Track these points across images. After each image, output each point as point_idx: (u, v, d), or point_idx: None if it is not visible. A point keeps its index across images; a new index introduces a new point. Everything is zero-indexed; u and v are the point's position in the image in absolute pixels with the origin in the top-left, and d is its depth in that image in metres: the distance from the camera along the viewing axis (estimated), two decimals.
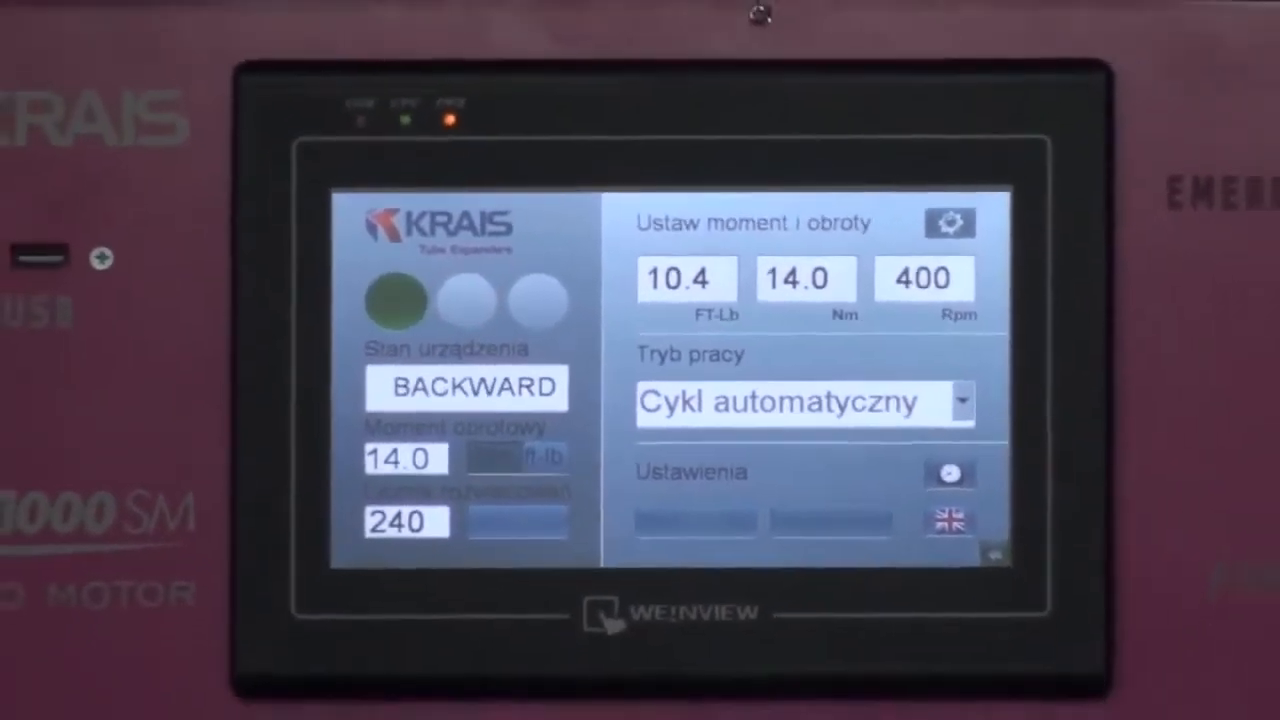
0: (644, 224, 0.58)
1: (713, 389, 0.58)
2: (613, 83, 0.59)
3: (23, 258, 0.57)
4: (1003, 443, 0.57)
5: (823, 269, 0.57)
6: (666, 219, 0.58)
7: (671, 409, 0.58)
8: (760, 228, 0.57)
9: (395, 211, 0.57)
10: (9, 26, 0.58)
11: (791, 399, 0.58)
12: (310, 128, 0.57)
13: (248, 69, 0.57)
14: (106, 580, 0.57)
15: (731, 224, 0.57)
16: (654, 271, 0.57)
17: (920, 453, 0.57)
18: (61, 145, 0.57)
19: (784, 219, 0.57)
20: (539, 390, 0.57)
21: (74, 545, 0.57)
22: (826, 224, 0.57)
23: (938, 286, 0.57)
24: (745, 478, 0.57)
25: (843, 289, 0.57)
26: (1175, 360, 0.57)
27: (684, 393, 0.58)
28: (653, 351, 0.57)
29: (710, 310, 0.58)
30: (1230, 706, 0.57)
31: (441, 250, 0.57)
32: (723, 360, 0.58)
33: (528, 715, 0.58)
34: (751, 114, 0.58)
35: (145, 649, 0.57)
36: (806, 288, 0.58)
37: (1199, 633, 0.57)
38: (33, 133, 0.58)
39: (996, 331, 0.57)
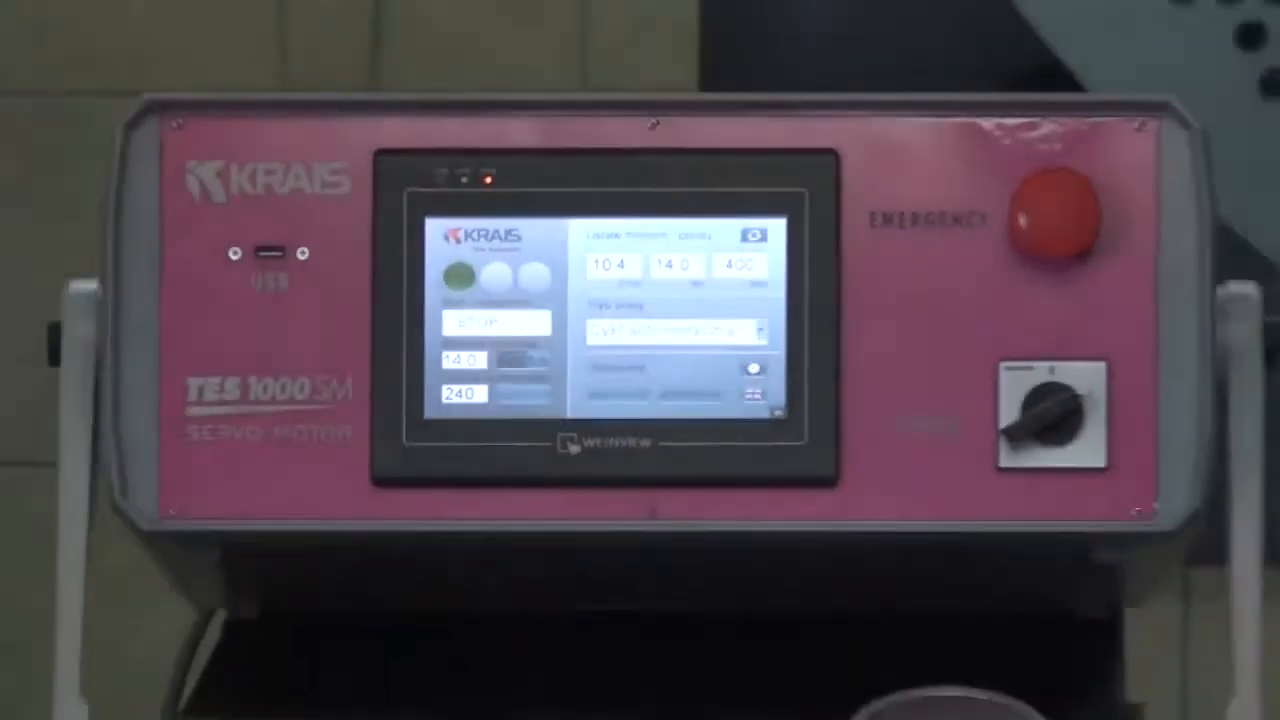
0: (595, 235, 1.03)
1: (627, 326, 1.03)
2: (576, 159, 1.04)
3: (261, 253, 1.03)
4: (780, 352, 1.02)
5: (686, 259, 1.03)
6: (610, 234, 1.04)
7: (606, 335, 1.03)
8: (652, 234, 1.02)
9: (459, 229, 1.03)
10: (255, 128, 1.04)
11: (671, 330, 1.03)
12: (414, 183, 1.03)
13: (381, 152, 1.03)
14: (305, 425, 1.03)
15: (637, 235, 1.04)
16: (597, 261, 1.02)
17: (738, 358, 1.02)
18: (281, 192, 1.03)
19: (666, 234, 1.02)
20: (535, 325, 1.03)
21: (289, 406, 1.03)
22: (691, 235, 1.03)
23: (747, 270, 1.02)
24: (644, 371, 1.02)
25: (698, 269, 1.03)
26: (879, 307, 1.03)
27: (613, 327, 1.03)
28: (596, 304, 1.03)
29: (627, 282, 1.03)
30: (916, 497, 1.03)
31: (483, 250, 1.03)
32: (632, 309, 1.03)
33: (529, 499, 1.03)
34: (653, 176, 1.04)
35: (326, 463, 1.02)
36: (681, 269, 1.04)
37: (875, 451, 1.02)
38: (266, 184, 1.04)
39: (779, 294, 1.02)
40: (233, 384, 1.03)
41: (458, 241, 1.03)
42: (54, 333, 1.06)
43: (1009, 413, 1.01)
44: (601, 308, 1.03)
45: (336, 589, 1.19)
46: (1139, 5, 2.22)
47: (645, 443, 1.03)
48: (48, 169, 2.17)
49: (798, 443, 1.02)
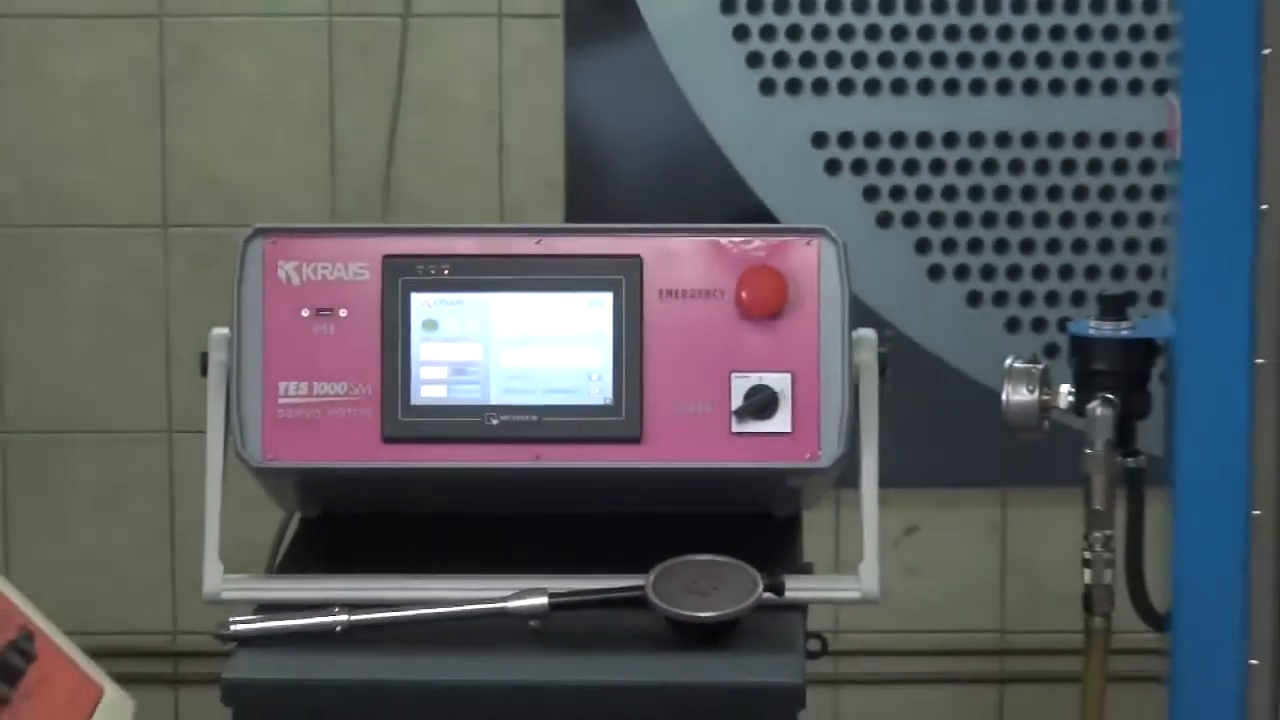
0: (506, 303, 1.81)
1: (525, 353, 1.81)
2: (495, 260, 1.83)
3: (319, 313, 1.80)
4: (610, 368, 1.80)
5: (561, 316, 1.80)
6: (516, 302, 1.82)
7: (512, 359, 1.82)
8: (541, 302, 1.80)
9: (429, 299, 1.82)
10: (316, 243, 1.82)
11: (551, 356, 1.81)
12: (404, 273, 1.82)
13: (387, 256, 1.83)
14: (343, 409, 1.80)
15: (532, 303, 1.82)
16: (507, 318, 1.80)
17: (587, 371, 1.80)
18: (331, 279, 1.81)
19: (550, 302, 1.80)
20: (472, 353, 1.80)
21: (335, 398, 1.80)
22: (562, 303, 1.81)
23: (593, 323, 1.80)
24: (533, 378, 1.81)
25: (567, 322, 1.80)
26: (665, 343, 1.81)
27: (516, 354, 1.82)
28: (506, 341, 1.81)
29: (525, 329, 1.81)
30: (685, 450, 1.82)
31: (443, 310, 1.82)
32: (528, 343, 1.81)
33: (469, 450, 1.81)
34: (539, 270, 1.83)
35: (355, 430, 1.80)
36: (557, 321, 1.81)
37: (662, 424, 1.81)
38: (322, 275, 1.81)
39: (610, 336, 1.80)
40: (304, 386, 1.83)
41: (429, 306, 1.83)
42: (203, 358, 1.87)
43: (737, 401, 1.83)
44: (509, 343, 1.84)
45: (363, 501, 2.00)
46: (812, 178, 3.23)
47: (534, 418, 1.84)
48: (206, 265, 3.15)
49: (619, 419, 1.83)
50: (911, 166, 3.30)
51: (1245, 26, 1.97)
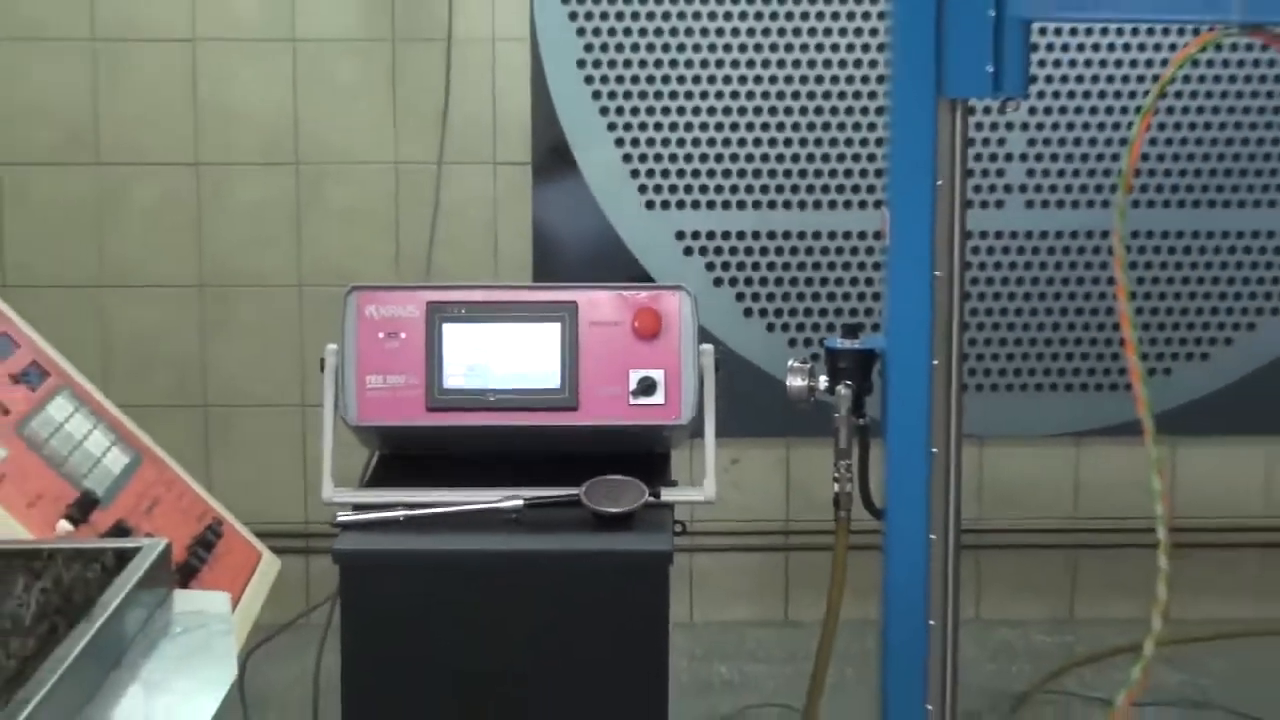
0: (498, 331, 2.90)
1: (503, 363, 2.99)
2: (492, 305, 2.93)
3: (390, 335, 2.84)
4: (559, 368, 2.84)
5: (532, 337, 2.88)
6: (502, 330, 2.98)
7: (498, 366, 2.93)
8: (517, 330, 2.88)
9: (455, 327, 2.85)
10: (389, 294, 2.84)
11: (526, 363, 2.88)
12: (441, 312, 2.82)
13: (430, 302, 2.84)
14: (405, 393, 2.81)
15: (513, 332, 2.94)
16: (497, 339, 2.92)
17: (547, 370, 2.86)
18: (399, 315, 2.83)
19: (524, 329, 2.89)
20: (480, 358, 2.97)
21: (399, 385, 2.80)
22: (532, 329, 2.89)
23: (548, 340, 2.85)
24: (509, 375, 2.95)
25: (536, 340, 2.87)
26: (593, 353, 2.92)
27: (498, 361, 2.97)
28: (495, 354, 2.94)
29: (504, 345, 2.99)
30: (604, 413, 2.85)
31: (462, 332, 2.86)
32: (506, 355, 2.92)
33: (476, 415, 2.86)
34: (518, 311, 2.94)
35: (410, 405, 2.82)
36: (530, 340, 2.88)
37: (592, 398, 2.86)
38: (394, 315, 2.91)
39: (559, 348, 2.85)
40: (380, 377, 2.77)
41: (453, 330, 2.79)
42: (322, 361, 2.78)
43: (633, 385, 2.80)
44: (500, 352, 2.80)
45: (414, 444, 2.86)
46: (675, 258, 4.61)
47: (515, 396, 2.79)
48: (330, 305, 4.29)
49: (565, 396, 2.78)
50: (733, 250, 4.62)
51: (925, 160, 2.79)
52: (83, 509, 2.66)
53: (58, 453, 2.73)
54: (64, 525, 2.59)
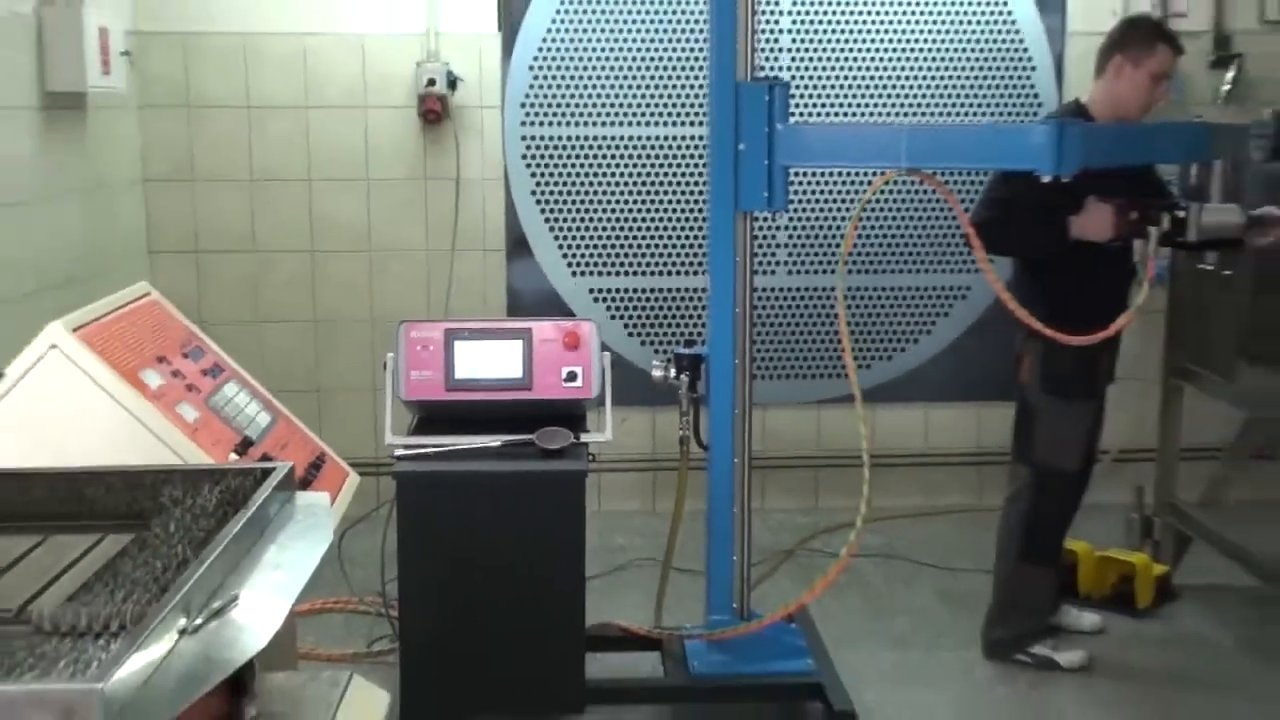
0: (496, 346, 5.00)
1: (496, 367, 4.88)
2: (489, 324, 4.74)
3: (424, 348, 4.53)
4: (522, 369, 4.50)
5: (509, 349, 4.64)
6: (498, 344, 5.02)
7: (496, 369, 4.70)
8: (505, 345, 4.56)
9: (462, 344, 4.56)
10: (425, 324, 4.55)
11: (508, 368, 4.66)
12: (454, 335, 4.48)
13: (446, 329, 4.45)
14: (432, 382, 4.51)
15: (504, 347, 4.78)
16: (499, 352, 4.75)
17: (515, 367, 4.54)
18: (429, 336, 4.49)
19: (510, 341, 4.76)
20: (484, 368, 4.73)
21: (429, 378, 4.52)
22: (512, 342, 4.75)
23: (514, 351, 4.62)
24: (495, 375, 4.76)
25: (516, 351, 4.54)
26: (546, 362, 4.78)
27: (495, 366, 4.81)
28: (493, 361, 4.62)
29: (499, 355, 5.01)
30: (553, 392, 4.48)
31: (470, 348, 4.53)
32: (497, 363, 4.83)
33: (485, 394, 4.96)
34: (506, 330, 4.81)
35: (434, 388, 4.46)
36: (509, 350, 4.58)
37: (544, 380, 4.44)
38: (427, 340, 4.74)
39: (523, 355, 4.52)
40: (418, 372, 4.30)
41: (461, 345, 4.33)
42: (384, 364, 4.33)
43: (564, 375, 4.40)
44: (489, 357, 4.35)
45: (440, 411, 4.29)
46: (588, 305, 6.76)
47: (497, 382, 4.35)
48: (385, 328, 5.12)
49: (525, 381, 4.28)
50: (623, 299, 6.47)
51: (728, 246, 4.37)
52: (243, 447, 3.37)
53: (229, 415, 3.46)
54: (233, 456, 3.29)
